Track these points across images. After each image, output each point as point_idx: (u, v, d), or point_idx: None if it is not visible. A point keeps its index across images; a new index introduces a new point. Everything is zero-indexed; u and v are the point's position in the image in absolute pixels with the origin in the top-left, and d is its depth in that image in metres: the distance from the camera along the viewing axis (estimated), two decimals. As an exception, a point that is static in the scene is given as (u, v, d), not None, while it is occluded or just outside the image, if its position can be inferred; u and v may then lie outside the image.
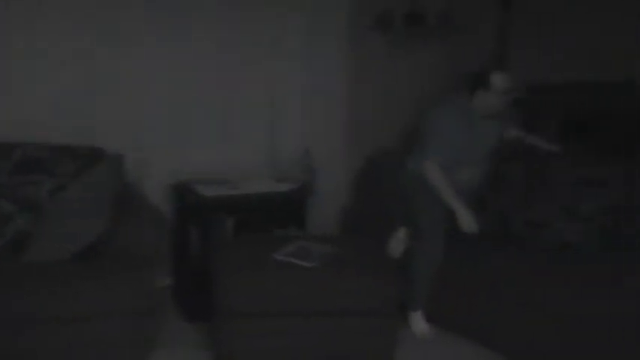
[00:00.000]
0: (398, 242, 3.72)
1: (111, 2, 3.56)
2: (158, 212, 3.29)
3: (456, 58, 4.42)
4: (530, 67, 4.37)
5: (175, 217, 3.75)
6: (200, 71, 3.84)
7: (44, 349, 2.76)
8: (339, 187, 4.29)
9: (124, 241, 3.05)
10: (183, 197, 3.71)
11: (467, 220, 3.36)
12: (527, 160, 3.77)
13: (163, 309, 3.23)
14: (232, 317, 2.96)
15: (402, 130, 4.26)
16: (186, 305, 3.61)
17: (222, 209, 3.69)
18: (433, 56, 4.44)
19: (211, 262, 3.22)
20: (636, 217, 3.47)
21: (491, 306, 3.32)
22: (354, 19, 4.15)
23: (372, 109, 4.30)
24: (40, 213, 3.16)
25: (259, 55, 3.97)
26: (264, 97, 4.03)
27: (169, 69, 3.75)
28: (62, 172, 3.27)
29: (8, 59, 3.40)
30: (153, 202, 3.45)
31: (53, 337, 2.76)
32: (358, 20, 4.16)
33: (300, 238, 3.36)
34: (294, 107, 4.14)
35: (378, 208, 3.99)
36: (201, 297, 3.27)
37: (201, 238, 3.60)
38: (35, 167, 3.26)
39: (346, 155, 4.28)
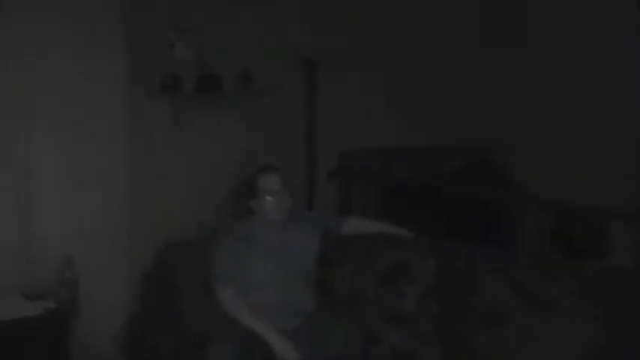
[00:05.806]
0: None
1: None
2: None
3: (260, 128, 3.76)
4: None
5: None
6: None
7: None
8: (118, 300, 3.38)
9: None
10: None
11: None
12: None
13: None
14: None
15: (199, 216, 3.50)
16: None
17: None
18: (232, 127, 3.70)
19: None
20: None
21: None
22: (134, 88, 3.34)
23: (159, 192, 3.47)
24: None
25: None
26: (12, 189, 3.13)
27: None
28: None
29: None
30: None
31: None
32: (136, 89, 3.36)
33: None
34: (53, 201, 3.24)
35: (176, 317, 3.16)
36: None
37: None
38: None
39: (127, 255, 3.40)
